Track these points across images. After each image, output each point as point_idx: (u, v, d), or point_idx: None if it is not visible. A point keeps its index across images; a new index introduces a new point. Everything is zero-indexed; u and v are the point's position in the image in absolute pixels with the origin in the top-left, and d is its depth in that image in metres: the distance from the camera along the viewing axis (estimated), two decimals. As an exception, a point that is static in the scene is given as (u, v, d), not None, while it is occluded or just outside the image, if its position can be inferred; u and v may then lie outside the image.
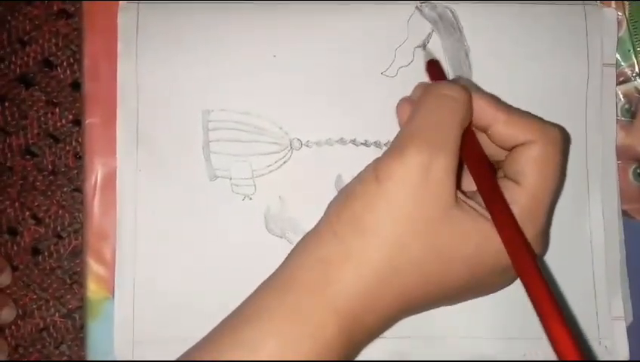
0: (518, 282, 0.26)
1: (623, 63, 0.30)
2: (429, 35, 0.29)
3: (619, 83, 0.30)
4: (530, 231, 0.22)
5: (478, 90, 0.25)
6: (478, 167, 0.23)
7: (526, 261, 0.21)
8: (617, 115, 0.30)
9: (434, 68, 0.27)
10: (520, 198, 0.23)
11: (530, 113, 0.25)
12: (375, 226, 0.22)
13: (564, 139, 0.24)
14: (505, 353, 0.27)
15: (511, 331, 0.28)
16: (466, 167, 0.25)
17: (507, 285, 0.25)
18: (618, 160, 0.29)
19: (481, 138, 0.25)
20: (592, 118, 0.29)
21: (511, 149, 0.24)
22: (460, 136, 0.23)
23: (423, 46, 0.28)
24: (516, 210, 0.22)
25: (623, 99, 0.30)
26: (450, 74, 0.29)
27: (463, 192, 0.24)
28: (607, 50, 0.29)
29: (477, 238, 0.22)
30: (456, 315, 0.27)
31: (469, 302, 0.26)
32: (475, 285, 0.24)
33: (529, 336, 0.27)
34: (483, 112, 0.24)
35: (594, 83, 0.29)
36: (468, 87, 0.24)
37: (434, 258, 0.22)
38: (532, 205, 0.23)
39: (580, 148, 0.29)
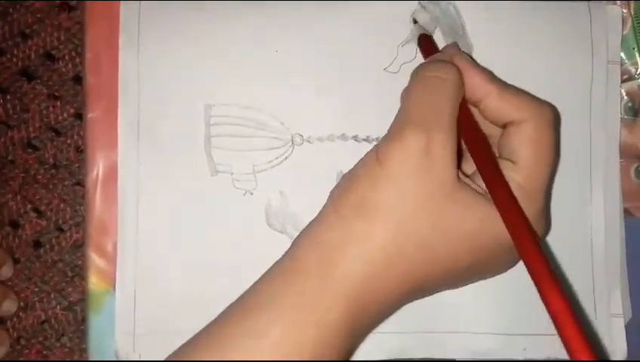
0: (518, 277, 0.26)
1: (626, 61, 0.30)
2: (432, 32, 0.29)
3: (622, 81, 0.30)
4: (529, 211, 0.22)
5: (472, 63, 0.25)
6: (476, 143, 0.23)
7: (525, 237, 0.20)
8: (621, 113, 0.30)
9: (426, 42, 0.27)
10: (516, 177, 0.23)
11: (522, 90, 0.25)
12: (380, 207, 0.22)
13: (556, 116, 0.24)
14: (505, 348, 0.28)
15: (511, 326, 0.28)
16: (465, 150, 0.25)
17: (512, 266, 0.25)
18: (620, 158, 0.29)
19: (474, 114, 0.25)
20: (597, 116, 0.29)
21: (503, 127, 0.24)
22: (455, 113, 0.23)
23: (414, 20, 0.28)
24: (513, 188, 0.22)
25: (626, 97, 0.30)
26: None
27: (465, 174, 0.24)
28: (611, 47, 0.29)
29: (480, 216, 0.22)
30: (456, 310, 0.27)
31: (469, 297, 0.27)
32: (480, 265, 0.24)
33: (529, 332, 0.28)
34: (476, 85, 0.24)
35: (598, 80, 0.29)
36: (460, 60, 0.24)
37: (439, 237, 0.22)
38: (529, 184, 0.23)
39: (584, 146, 0.29)
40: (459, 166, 0.23)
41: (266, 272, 0.23)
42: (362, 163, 0.23)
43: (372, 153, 0.23)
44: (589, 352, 0.18)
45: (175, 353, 0.22)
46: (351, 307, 0.21)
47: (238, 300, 0.23)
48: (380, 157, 0.22)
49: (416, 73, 0.24)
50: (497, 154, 0.24)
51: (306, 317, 0.21)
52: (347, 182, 0.23)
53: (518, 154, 0.23)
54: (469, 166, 0.25)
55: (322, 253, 0.22)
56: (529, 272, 0.20)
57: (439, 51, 0.27)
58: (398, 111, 0.24)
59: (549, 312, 0.19)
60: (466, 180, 0.23)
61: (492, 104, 0.24)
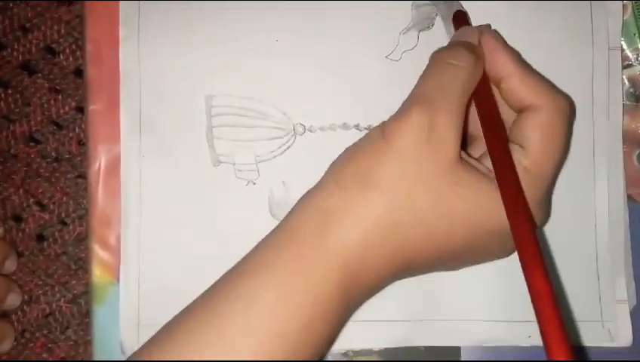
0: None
1: (627, 47, 0.30)
2: (434, 19, 0.29)
3: (623, 67, 0.30)
4: (531, 197, 0.22)
5: (500, 41, 0.25)
6: (490, 119, 0.23)
7: (520, 217, 0.20)
8: (623, 100, 0.30)
9: (461, 19, 0.27)
10: (524, 161, 0.23)
11: (544, 77, 0.25)
12: (380, 179, 0.22)
13: (572, 109, 0.25)
14: (510, 335, 0.28)
15: (515, 314, 0.28)
16: (473, 136, 0.25)
17: (510, 253, 0.25)
18: (623, 144, 0.29)
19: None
20: (599, 102, 0.29)
21: (519, 111, 0.24)
22: (464, 99, 0.23)
23: None
24: (519, 171, 0.22)
25: (627, 83, 0.30)
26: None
27: (470, 156, 0.24)
28: (612, 33, 0.29)
29: (480, 198, 0.22)
30: (459, 298, 0.27)
31: (473, 284, 0.27)
32: (475, 247, 0.23)
33: (534, 319, 0.27)
34: (500, 64, 0.24)
35: (600, 66, 0.29)
36: (488, 38, 0.24)
37: (437, 214, 0.22)
38: (535, 170, 0.23)
39: (586, 132, 0.29)
40: (465, 149, 0.23)
41: (263, 239, 0.23)
42: (367, 136, 0.23)
43: (378, 128, 0.23)
44: (565, 346, 0.18)
45: (169, 323, 0.22)
46: (345, 274, 0.21)
47: (233, 267, 0.23)
48: (385, 132, 0.22)
49: (434, 57, 0.24)
50: (508, 138, 0.24)
51: (301, 281, 0.21)
52: (349, 153, 0.23)
53: (528, 140, 0.23)
54: (477, 151, 0.25)
55: (318, 219, 0.22)
56: (518, 252, 0.20)
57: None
58: (411, 91, 0.24)
59: (531, 295, 0.19)
60: (471, 161, 0.23)
61: (513, 85, 0.24)
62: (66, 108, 0.30)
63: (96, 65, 0.29)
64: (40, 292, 0.29)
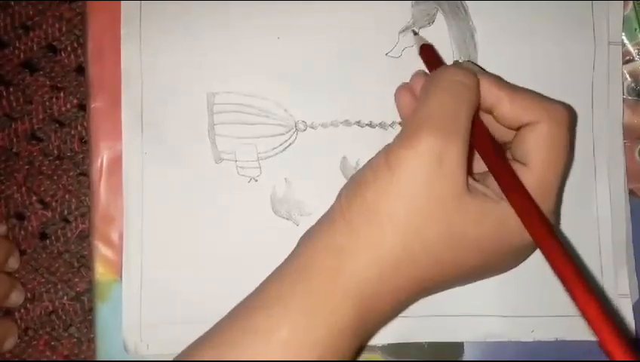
0: (524, 260, 0.26)
1: (628, 42, 0.30)
2: (434, 15, 0.29)
3: (624, 62, 0.30)
4: None
5: (481, 71, 0.25)
6: (488, 150, 0.23)
7: (546, 236, 0.20)
8: (624, 94, 0.30)
9: (428, 52, 0.27)
10: (528, 180, 0.23)
11: (534, 92, 0.24)
12: (388, 214, 0.21)
13: (571, 116, 0.24)
14: (513, 330, 0.28)
15: (518, 309, 0.28)
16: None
17: (518, 264, 0.25)
18: (624, 139, 0.29)
19: (488, 119, 0.25)
20: (599, 97, 0.29)
21: (518, 129, 0.24)
22: (470, 122, 0.22)
23: (414, 32, 0.28)
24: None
25: (629, 78, 0.30)
26: (455, 54, 0.29)
27: (472, 176, 0.24)
28: (613, 28, 0.29)
29: (489, 223, 0.22)
30: (463, 294, 0.27)
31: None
32: (488, 267, 0.24)
33: (537, 314, 0.28)
34: (487, 93, 0.24)
35: (600, 61, 0.29)
36: (470, 68, 0.24)
37: (447, 244, 0.22)
38: (541, 186, 0.23)
39: (586, 127, 0.29)
40: (469, 168, 0.23)
41: (275, 271, 0.23)
42: (370, 165, 0.23)
43: (381, 155, 0.22)
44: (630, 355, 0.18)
45: (184, 352, 0.22)
46: (359, 309, 0.22)
47: (245, 300, 0.23)
48: (390, 162, 0.22)
49: (438, 76, 0.24)
50: (511, 157, 0.24)
51: (314, 318, 0.21)
52: (355, 186, 0.23)
53: (530, 156, 0.23)
54: (479, 166, 0.25)
55: (330, 257, 0.22)
56: (561, 281, 0.20)
57: (441, 60, 0.27)
58: (415, 111, 0.23)
59: (584, 317, 0.19)
60: (476, 185, 0.23)
61: (504, 110, 0.23)
62: (68, 106, 0.30)
63: (98, 62, 0.29)
64: (43, 289, 0.29)
